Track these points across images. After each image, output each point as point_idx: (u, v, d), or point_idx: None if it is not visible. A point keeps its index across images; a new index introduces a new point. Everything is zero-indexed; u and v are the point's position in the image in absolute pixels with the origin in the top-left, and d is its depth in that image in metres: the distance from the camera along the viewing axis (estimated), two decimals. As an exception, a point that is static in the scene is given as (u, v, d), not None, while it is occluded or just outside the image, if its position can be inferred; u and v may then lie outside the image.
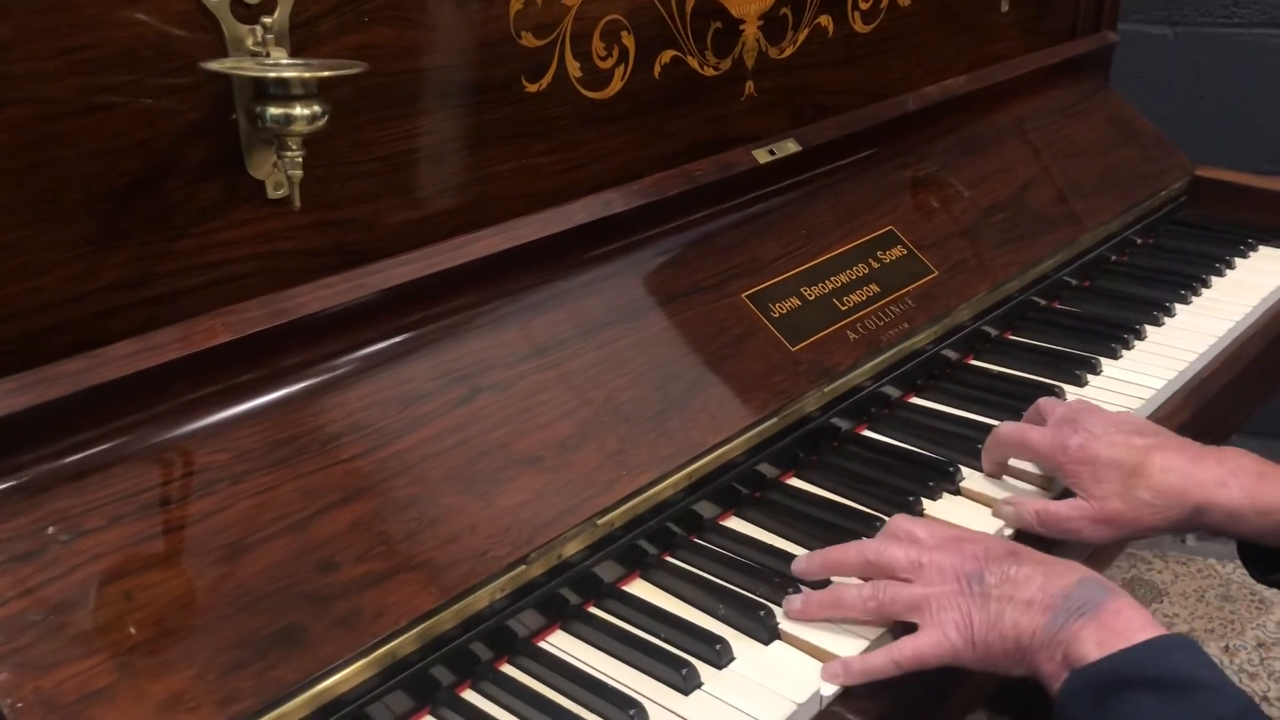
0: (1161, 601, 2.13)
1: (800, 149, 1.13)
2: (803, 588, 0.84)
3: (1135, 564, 2.23)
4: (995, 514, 0.94)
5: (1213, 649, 2.00)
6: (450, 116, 0.87)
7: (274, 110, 0.65)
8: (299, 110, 0.65)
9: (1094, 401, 1.11)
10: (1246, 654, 2.00)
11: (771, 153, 1.10)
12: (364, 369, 0.81)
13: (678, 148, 1.05)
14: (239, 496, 0.72)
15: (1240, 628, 2.06)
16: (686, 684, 0.76)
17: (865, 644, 0.79)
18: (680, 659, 0.78)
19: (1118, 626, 0.69)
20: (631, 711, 0.73)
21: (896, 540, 0.82)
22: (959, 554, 0.78)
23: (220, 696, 0.64)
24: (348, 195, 0.82)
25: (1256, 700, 1.86)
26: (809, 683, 0.76)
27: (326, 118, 0.67)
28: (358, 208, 0.82)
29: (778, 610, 0.83)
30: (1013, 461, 0.99)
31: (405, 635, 0.73)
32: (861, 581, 0.82)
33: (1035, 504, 0.91)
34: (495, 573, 0.77)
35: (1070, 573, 0.74)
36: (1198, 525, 0.87)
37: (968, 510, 0.95)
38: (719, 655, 0.78)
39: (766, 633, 0.81)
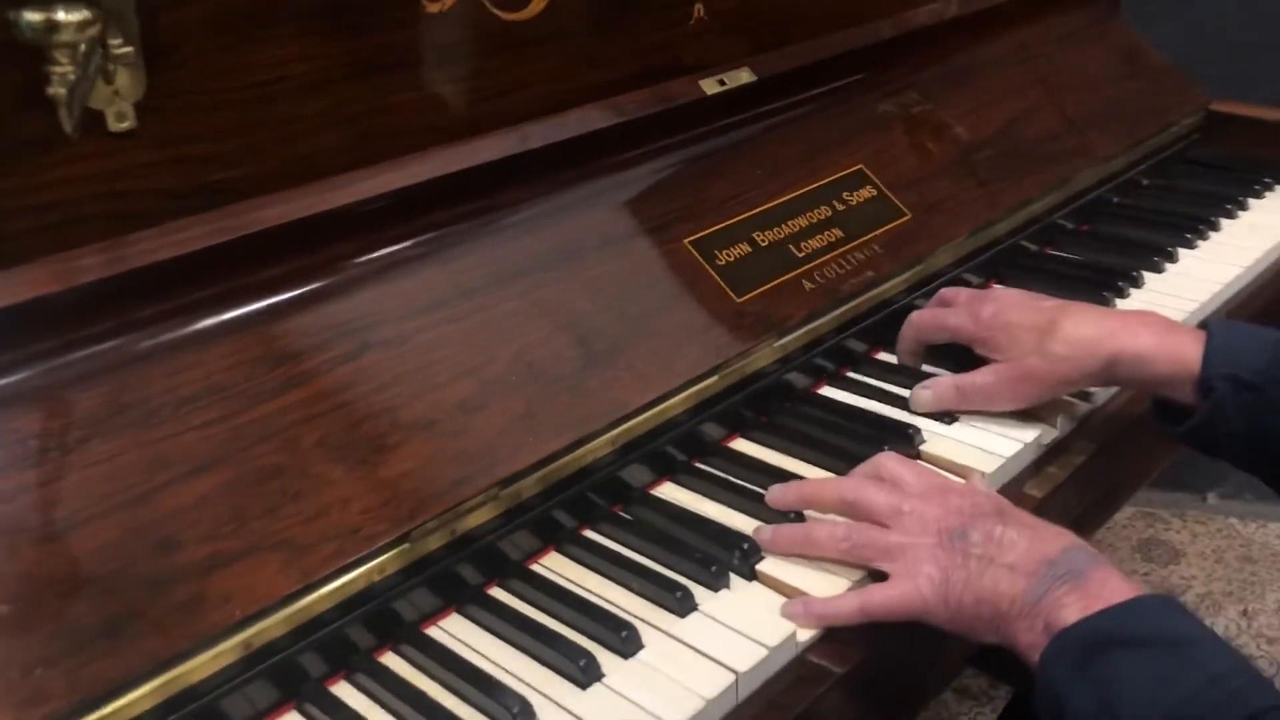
0: (1179, 563, 2.04)
1: (755, 79, 1.02)
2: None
3: (1152, 524, 2.13)
4: (913, 401, 0.93)
5: (1231, 612, 1.91)
6: (336, 39, 0.77)
7: (31, 17, 0.55)
8: (63, 16, 0.55)
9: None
10: (1266, 617, 1.90)
11: (722, 83, 1.00)
12: (230, 324, 0.72)
13: (614, 77, 0.95)
14: (71, 468, 0.64)
15: (1260, 590, 1.97)
16: (586, 677, 0.68)
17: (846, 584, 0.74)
18: (582, 650, 0.69)
19: (1103, 594, 0.66)
20: (515, 708, 0.65)
21: (879, 482, 0.78)
22: (944, 506, 0.74)
23: (23, 697, 0.56)
24: (211, 128, 0.72)
25: (1276, 666, 1.78)
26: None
27: (99, 26, 0.57)
28: (225, 142, 0.73)
29: (699, 592, 0.74)
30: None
31: (266, 621, 0.65)
32: (838, 519, 0.78)
33: (950, 379, 0.91)
34: (369, 552, 0.68)
35: (1057, 540, 0.71)
36: (1113, 377, 0.88)
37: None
38: (625, 644, 0.70)
39: (680, 609, 0.73)
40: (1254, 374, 0.82)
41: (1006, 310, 0.91)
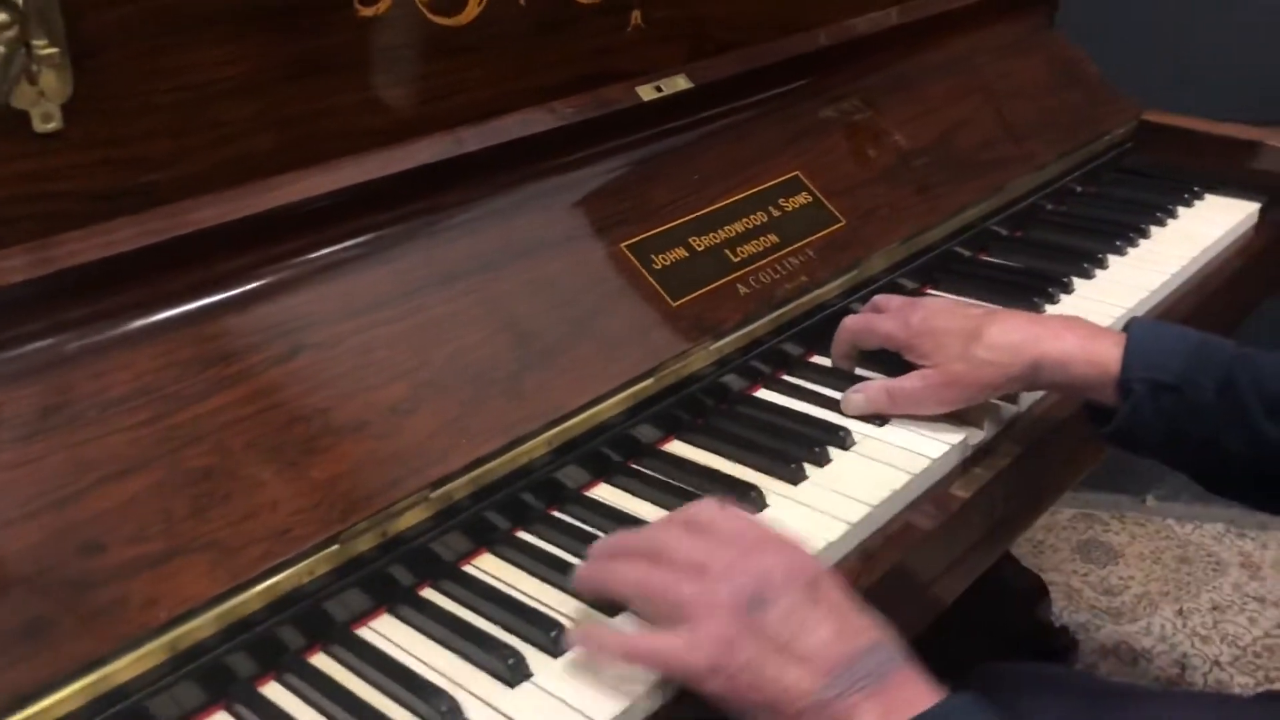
0: (1117, 563, 2.08)
1: (693, 86, 1.03)
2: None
3: (1092, 525, 2.17)
4: (845, 404, 0.93)
5: (1167, 611, 1.95)
6: (269, 42, 0.77)
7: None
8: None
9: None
10: (1200, 617, 1.95)
11: (659, 89, 1.01)
12: (161, 325, 0.72)
13: (551, 83, 0.95)
14: (-6, 470, 0.63)
15: (1195, 590, 2.01)
16: (514, 676, 0.68)
17: None
18: (512, 649, 0.70)
19: (903, 697, 0.61)
20: (444, 708, 0.66)
21: (686, 528, 0.70)
22: (752, 565, 0.66)
23: (-57, 699, 0.56)
24: (141, 130, 0.72)
25: (1209, 664, 1.82)
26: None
27: (17, 28, 0.57)
28: (154, 144, 0.73)
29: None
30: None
31: (193, 622, 0.65)
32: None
33: (882, 383, 0.92)
34: (299, 554, 0.69)
35: (863, 635, 0.64)
36: (1036, 381, 0.90)
37: (855, 469, 0.87)
38: (555, 644, 0.70)
39: (610, 609, 0.73)
40: (1172, 376, 0.83)
41: (934, 316, 0.92)
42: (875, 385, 0.93)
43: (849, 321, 0.99)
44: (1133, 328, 0.88)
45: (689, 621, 0.64)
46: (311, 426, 0.73)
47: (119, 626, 0.62)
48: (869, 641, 0.63)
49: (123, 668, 0.63)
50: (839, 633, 0.63)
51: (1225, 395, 0.83)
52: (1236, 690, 1.77)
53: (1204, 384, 0.83)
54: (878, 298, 1.00)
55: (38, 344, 0.68)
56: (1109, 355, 0.85)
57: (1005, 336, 0.88)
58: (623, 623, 0.71)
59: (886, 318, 0.96)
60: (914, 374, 0.91)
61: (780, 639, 0.63)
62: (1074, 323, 0.90)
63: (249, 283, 0.76)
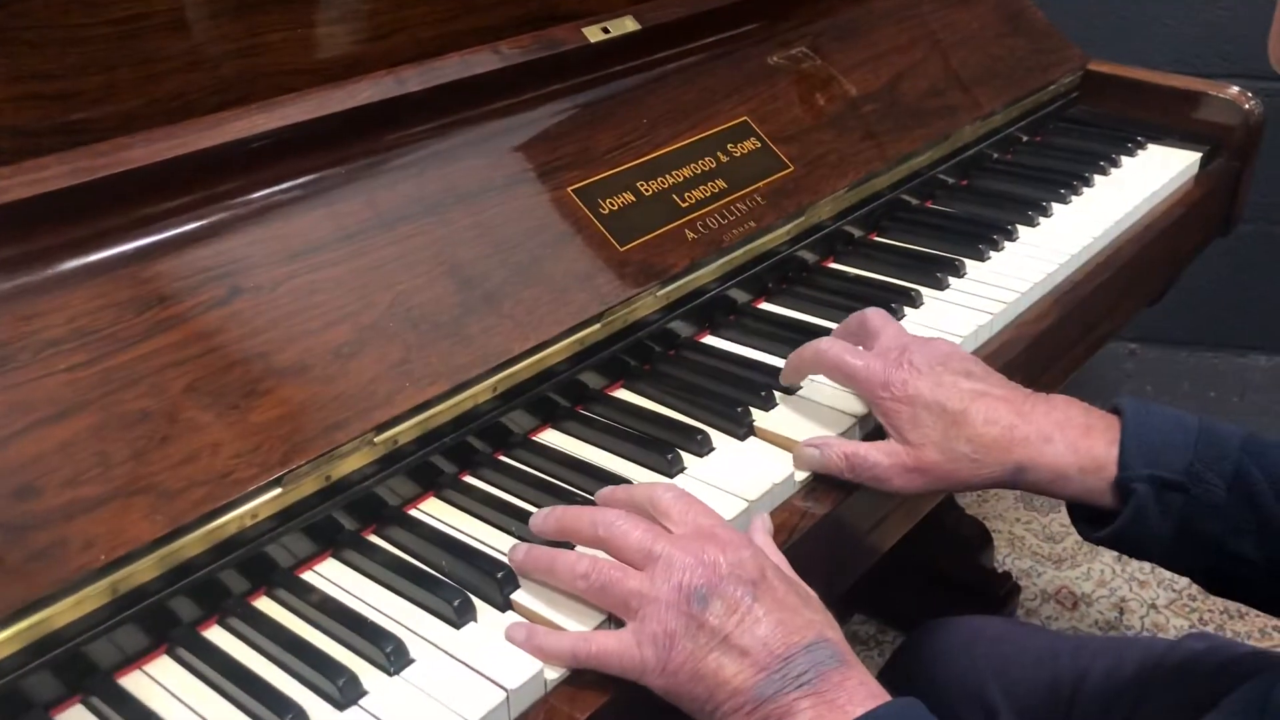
0: (1059, 511, 2.10)
1: (640, 28, 1.02)
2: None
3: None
4: (796, 459, 0.82)
5: (1107, 558, 1.99)
6: (203, -25, 0.75)
7: None
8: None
9: (954, 306, 1.04)
10: (1138, 562, 1.99)
11: (605, 30, 1.00)
12: (93, 267, 0.70)
13: (495, 23, 0.94)
14: (-78, 413, 0.62)
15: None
16: (460, 617, 0.68)
17: (596, 622, 0.68)
18: (457, 591, 0.70)
19: (839, 700, 0.61)
20: (389, 648, 0.65)
21: (636, 520, 0.69)
22: (697, 557, 0.65)
23: None
24: (69, 65, 0.70)
25: (1146, 607, 1.86)
26: (525, 663, 0.66)
27: None
28: (84, 79, 0.71)
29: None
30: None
31: (133, 566, 0.64)
32: (586, 552, 0.70)
33: (843, 446, 0.81)
34: (239, 497, 0.68)
35: (807, 630, 0.63)
36: (1019, 483, 0.79)
37: (800, 413, 0.87)
38: (501, 587, 0.70)
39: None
40: (1177, 472, 0.75)
41: (917, 380, 0.80)
42: (834, 445, 0.81)
43: (823, 348, 0.85)
44: (1126, 414, 0.79)
45: (634, 615, 0.65)
46: (252, 370, 0.72)
47: (56, 570, 0.61)
48: (809, 638, 0.63)
49: (61, 611, 0.62)
50: (780, 625, 0.63)
51: (1237, 492, 0.75)
52: (1171, 634, 1.82)
53: (1213, 481, 0.75)
54: (870, 314, 0.88)
55: (-35, 285, 0.66)
56: (1104, 456, 0.76)
57: (989, 430, 0.78)
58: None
59: (865, 361, 0.83)
60: (880, 447, 0.80)
61: (721, 632, 0.63)
62: (1066, 417, 0.79)
63: (185, 224, 0.75)
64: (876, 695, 0.62)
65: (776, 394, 0.89)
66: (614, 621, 0.68)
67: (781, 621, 0.63)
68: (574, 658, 0.65)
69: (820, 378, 0.90)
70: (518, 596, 0.70)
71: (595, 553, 0.69)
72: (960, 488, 0.81)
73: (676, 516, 0.69)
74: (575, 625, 0.68)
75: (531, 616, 0.69)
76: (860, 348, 0.86)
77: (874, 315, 0.88)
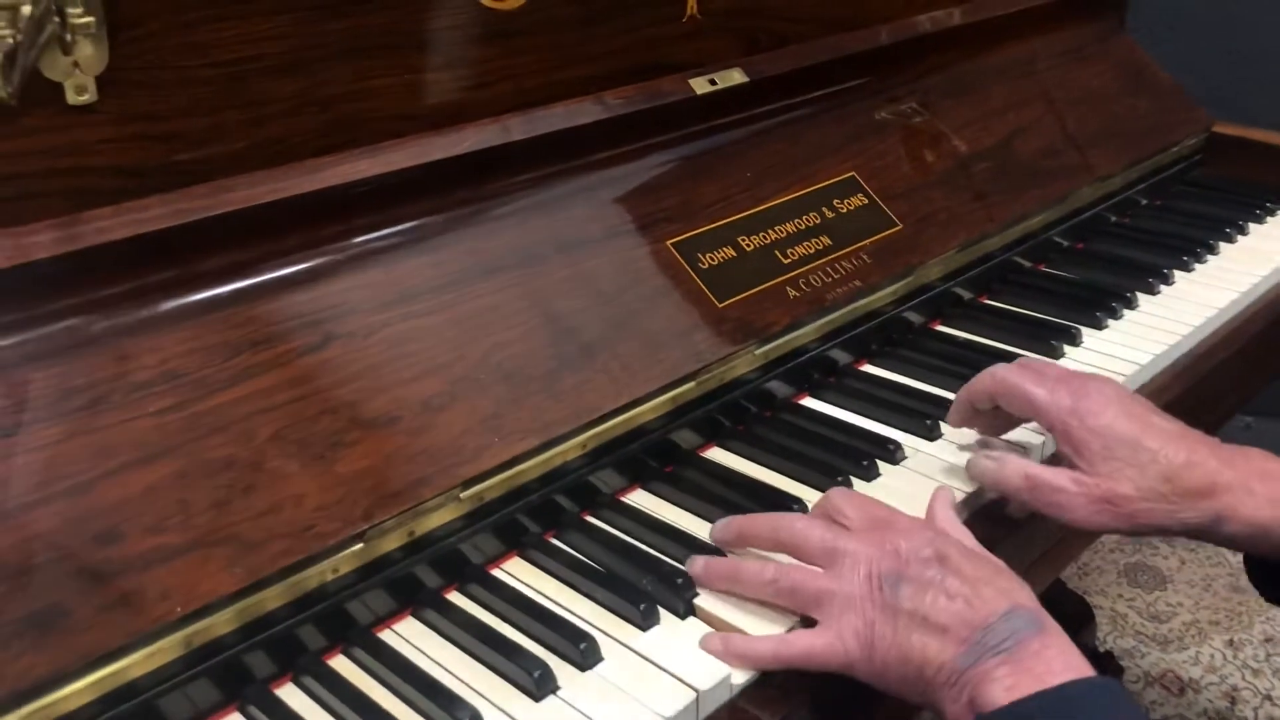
0: (1165, 589, 2.01)
1: (747, 80, 1.00)
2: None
3: (1140, 548, 2.11)
4: (970, 469, 0.81)
5: (1217, 642, 1.88)
6: (311, 19, 0.75)
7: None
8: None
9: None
10: (1252, 649, 1.88)
11: (712, 83, 0.97)
12: (189, 309, 0.70)
13: (602, 72, 0.92)
14: (13, 452, 0.61)
15: (1248, 621, 1.94)
16: (539, 689, 0.65)
17: (784, 628, 0.69)
18: (538, 660, 0.67)
19: (1036, 668, 0.60)
20: (465, 719, 0.63)
21: (814, 520, 0.71)
22: (879, 546, 0.67)
23: (-54, 690, 0.54)
24: (177, 106, 0.70)
25: (1260, 698, 1.75)
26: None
27: None
28: (190, 121, 0.71)
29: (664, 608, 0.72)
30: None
31: (209, 619, 0.63)
32: (770, 557, 0.72)
33: (1026, 465, 0.78)
34: (323, 551, 0.66)
35: (999, 599, 0.64)
36: (1212, 535, 0.74)
37: (905, 485, 0.83)
38: (584, 656, 0.67)
39: (642, 619, 0.70)
40: None
41: (1108, 410, 0.76)
42: (1015, 462, 0.78)
43: (1002, 373, 0.81)
44: None
45: (830, 613, 0.66)
46: (340, 419, 0.71)
47: (134, 620, 0.59)
48: (1005, 605, 0.63)
49: (136, 663, 0.60)
50: (972, 598, 0.64)
51: None
52: (1288, 727, 1.71)
53: None
54: (1032, 363, 0.84)
55: (62, 323, 0.66)
56: None
57: (1193, 472, 0.73)
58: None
59: (1047, 389, 0.79)
60: (1066, 473, 0.76)
61: (918, 614, 0.64)
62: (1264, 469, 0.75)
63: (282, 268, 0.74)
64: (1074, 668, 0.61)
65: (879, 463, 0.85)
66: (804, 621, 0.69)
67: (974, 593, 0.64)
68: (777, 659, 0.66)
69: (929, 449, 0.87)
70: (602, 668, 0.67)
71: (779, 557, 0.71)
72: (1146, 531, 0.76)
73: (851, 511, 0.71)
74: (760, 628, 0.69)
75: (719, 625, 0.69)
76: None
77: (1038, 360, 0.86)
